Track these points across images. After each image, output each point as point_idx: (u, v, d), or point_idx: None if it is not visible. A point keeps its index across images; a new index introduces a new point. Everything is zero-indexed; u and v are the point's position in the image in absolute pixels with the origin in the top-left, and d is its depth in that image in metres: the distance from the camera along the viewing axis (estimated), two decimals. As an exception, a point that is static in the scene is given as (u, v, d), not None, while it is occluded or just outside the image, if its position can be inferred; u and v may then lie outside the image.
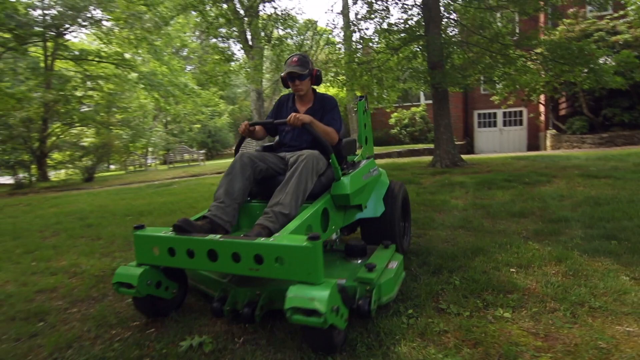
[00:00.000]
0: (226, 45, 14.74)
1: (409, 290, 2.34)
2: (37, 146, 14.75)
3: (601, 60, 8.60)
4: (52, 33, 15.31)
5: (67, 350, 1.97)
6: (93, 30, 16.91)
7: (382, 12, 8.81)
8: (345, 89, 10.12)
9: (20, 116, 13.48)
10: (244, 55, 15.02)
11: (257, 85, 13.44)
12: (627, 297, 2.11)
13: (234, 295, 2.04)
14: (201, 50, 23.90)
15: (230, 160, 2.22)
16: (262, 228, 1.96)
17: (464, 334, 1.85)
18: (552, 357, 1.66)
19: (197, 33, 22.40)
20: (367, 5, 8.84)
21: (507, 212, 4.14)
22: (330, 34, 11.39)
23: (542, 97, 14.11)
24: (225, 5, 11.65)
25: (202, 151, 21.61)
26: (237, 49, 23.78)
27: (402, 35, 8.58)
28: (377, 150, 14.59)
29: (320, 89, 14.40)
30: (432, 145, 8.84)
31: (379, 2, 8.72)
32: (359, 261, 2.35)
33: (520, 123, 16.86)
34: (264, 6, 12.01)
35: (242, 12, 11.91)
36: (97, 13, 16.34)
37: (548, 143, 14.18)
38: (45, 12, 15.51)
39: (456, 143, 8.83)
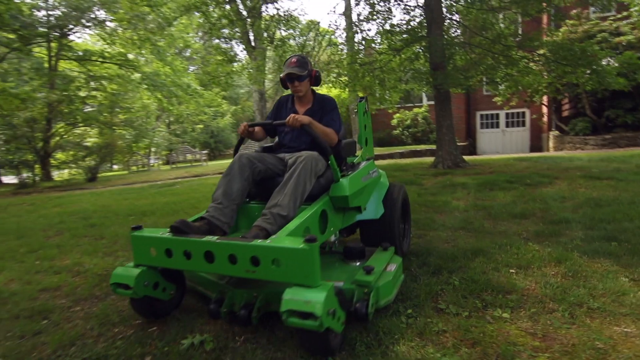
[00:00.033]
0: (229, 46, 14.80)
1: (409, 291, 2.35)
2: (41, 146, 14.85)
3: (604, 62, 8.59)
4: (56, 34, 15.42)
5: (70, 347, 1.99)
6: (97, 31, 17.03)
7: (385, 13, 8.82)
8: (347, 90, 10.15)
9: (24, 116, 13.58)
10: (247, 56, 15.09)
11: (259, 85, 13.49)
12: (626, 298, 2.12)
13: (231, 297, 2.03)
14: (204, 50, 23.97)
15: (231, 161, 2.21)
16: (259, 230, 1.95)
17: (462, 334, 1.86)
18: (549, 357, 1.67)
19: (200, 34, 22.46)
20: (369, 7, 8.86)
21: (508, 213, 4.15)
22: (332, 34, 11.40)
23: (544, 98, 14.09)
24: (228, 7, 11.70)
25: (204, 151, 21.70)
26: (239, 50, 23.91)
27: (405, 36, 8.59)
28: (379, 151, 14.59)
29: (323, 89, 14.43)
30: (434, 146, 8.85)
31: (382, 4, 8.74)
32: (358, 263, 2.34)
33: (523, 124, 16.83)
34: (267, 7, 12.05)
35: (244, 13, 11.95)
36: (101, 14, 16.48)
37: (551, 144, 14.15)
38: (50, 12, 15.65)
39: (458, 144, 8.84)
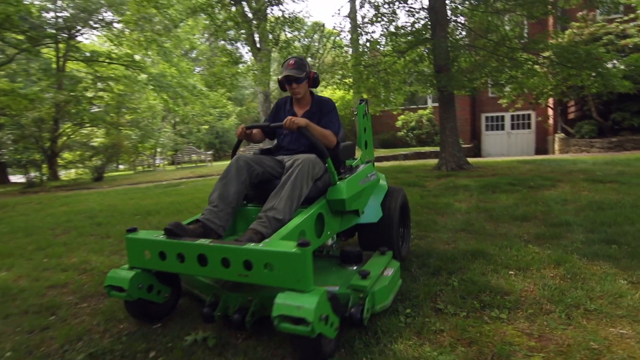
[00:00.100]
0: (234, 47, 14.86)
1: (408, 291, 2.39)
2: (49, 146, 15.02)
3: (610, 64, 8.56)
4: (64, 35, 15.62)
5: (77, 342, 2.06)
6: (104, 32, 17.21)
7: (389, 15, 8.85)
8: (351, 91, 10.18)
9: (32, 116, 13.75)
10: (252, 58, 15.18)
11: (264, 87, 13.58)
12: (623, 300, 2.15)
13: (225, 301, 2.02)
14: (210, 52, 24.16)
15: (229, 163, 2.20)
16: (254, 233, 1.94)
17: (459, 333, 1.90)
18: (544, 357, 1.70)
19: (206, 35, 22.61)
20: (374, 9, 8.90)
21: (509, 215, 4.17)
22: (337, 36, 11.45)
23: (550, 101, 14.03)
24: (234, 9, 11.79)
25: (209, 152, 21.82)
26: (245, 52, 24.02)
27: (409, 38, 8.62)
28: (384, 152, 14.61)
29: (328, 91, 14.41)
30: (438, 148, 8.85)
31: (386, 6, 8.77)
32: (354, 268, 2.31)
33: (529, 126, 16.77)
34: (272, 9, 12.11)
35: (250, 15, 12.04)
36: (108, 15, 16.67)
37: (556, 147, 14.09)
38: (58, 14, 15.85)
39: (463, 146, 8.84)
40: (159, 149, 23.66)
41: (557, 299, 2.19)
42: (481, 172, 7.59)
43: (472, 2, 8.39)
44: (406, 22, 10.63)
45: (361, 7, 9.24)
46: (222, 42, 14.29)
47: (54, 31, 14.93)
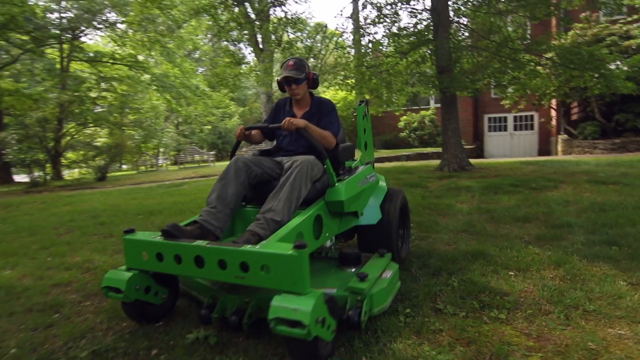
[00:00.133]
0: (237, 48, 14.95)
1: (408, 291, 2.40)
2: (52, 146, 15.12)
3: (613, 65, 8.55)
4: (68, 35, 15.73)
5: (80, 340, 2.08)
6: (108, 33, 17.32)
7: (391, 16, 8.87)
8: (354, 92, 10.19)
9: (37, 116, 13.85)
10: (255, 58, 15.24)
11: (267, 87, 13.60)
12: (622, 301, 2.15)
13: (222, 302, 2.01)
14: (212, 52, 24.23)
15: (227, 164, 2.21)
16: (252, 234, 1.93)
17: (458, 333, 1.91)
18: (542, 357, 1.71)
19: (209, 36, 22.69)
20: (376, 10, 8.92)
21: (511, 216, 4.17)
22: (340, 37, 11.46)
23: (553, 102, 14.01)
24: (236, 9, 11.84)
25: (212, 152, 21.89)
26: (247, 52, 24.06)
27: (411, 39, 8.63)
28: (386, 153, 14.62)
29: (330, 92, 14.39)
30: (441, 149, 8.85)
31: (388, 7, 8.79)
32: (353, 270, 2.29)
33: (532, 127, 16.74)
34: (275, 10, 12.16)
35: (253, 16, 12.08)
36: (112, 16, 16.78)
37: (559, 148, 14.06)
38: (62, 15, 15.96)
39: (466, 147, 8.85)
40: (161, 149, 23.73)
41: (556, 300, 2.20)
42: (483, 173, 7.59)
43: (475, 3, 8.39)
44: (409, 23, 10.70)
45: (364, 8, 9.26)
46: (225, 42, 14.34)
47: (58, 32, 15.05)
